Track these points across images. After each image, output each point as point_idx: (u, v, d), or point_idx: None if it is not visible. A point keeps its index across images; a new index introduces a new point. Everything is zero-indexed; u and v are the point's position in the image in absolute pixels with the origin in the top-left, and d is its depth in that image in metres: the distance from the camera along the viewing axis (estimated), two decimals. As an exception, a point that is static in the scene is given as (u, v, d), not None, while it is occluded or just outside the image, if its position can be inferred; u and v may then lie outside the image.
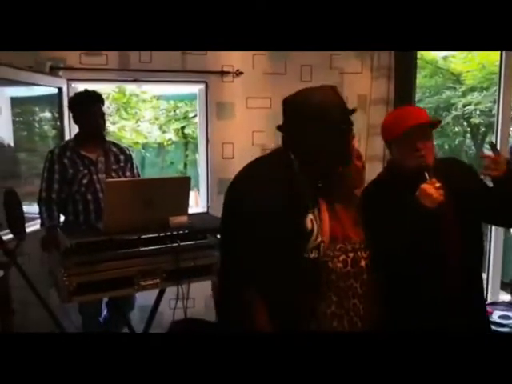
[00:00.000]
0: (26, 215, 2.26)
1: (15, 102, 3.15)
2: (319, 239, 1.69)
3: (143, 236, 2.29)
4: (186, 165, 8.62)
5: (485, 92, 5.67)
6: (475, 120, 6.02)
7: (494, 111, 4.06)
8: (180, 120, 8.12)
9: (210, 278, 2.34)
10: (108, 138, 2.95)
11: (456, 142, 6.42)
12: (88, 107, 2.76)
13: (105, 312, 3.00)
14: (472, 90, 5.90)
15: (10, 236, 2.20)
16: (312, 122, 1.60)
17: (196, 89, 3.57)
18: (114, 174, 2.80)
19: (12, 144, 3.10)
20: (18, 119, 3.32)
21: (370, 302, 1.86)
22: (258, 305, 1.59)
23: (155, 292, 2.70)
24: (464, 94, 5.92)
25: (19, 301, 2.33)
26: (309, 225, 1.66)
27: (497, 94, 3.94)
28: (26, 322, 2.64)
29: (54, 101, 3.29)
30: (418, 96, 5.85)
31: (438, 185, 1.72)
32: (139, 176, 3.04)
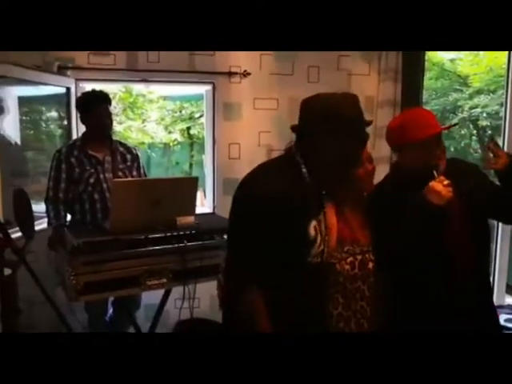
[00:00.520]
0: (34, 214, 2.27)
1: (23, 101, 3.16)
2: (321, 247, 1.68)
3: (150, 236, 2.30)
4: (191, 165, 8.65)
5: (492, 95, 5.65)
6: (482, 123, 6.01)
7: (501, 114, 4.05)
8: (186, 120, 8.14)
9: (216, 279, 2.34)
10: (114, 138, 2.96)
11: (462, 145, 6.40)
12: (95, 107, 2.76)
13: (111, 311, 3.01)
14: (479, 92, 5.88)
15: (18, 234, 2.21)
16: (331, 129, 1.56)
17: (203, 89, 3.58)
18: (120, 174, 2.80)
19: (19, 143, 3.11)
20: (25, 118, 3.34)
21: (377, 305, 1.86)
22: (258, 304, 1.59)
23: (161, 291, 2.70)
24: (471, 97, 5.90)
25: (26, 299, 2.34)
26: (312, 232, 1.65)
27: (504, 96, 3.93)
28: (33, 320, 2.66)
29: (61, 100, 3.30)
30: (424, 98, 5.83)
31: (446, 182, 1.73)
32: (146, 176, 3.05)
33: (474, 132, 6.33)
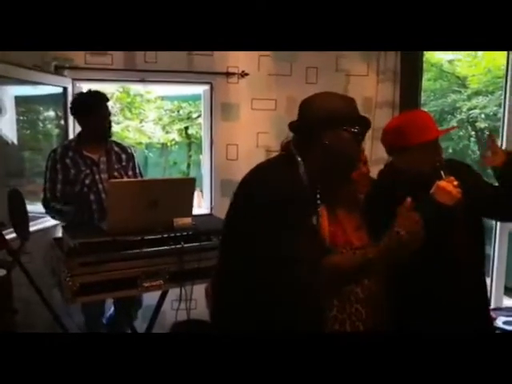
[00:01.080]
0: (29, 214, 2.26)
1: (19, 100, 3.15)
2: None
3: (147, 237, 2.29)
4: (189, 165, 8.63)
5: (490, 96, 5.65)
6: (480, 124, 6.00)
7: (500, 115, 4.05)
8: (184, 120, 8.13)
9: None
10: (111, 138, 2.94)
11: (460, 146, 6.40)
12: (94, 109, 2.75)
13: (111, 311, 2.99)
14: (477, 93, 5.88)
15: (13, 235, 2.20)
16: (331, 130, 1.55)
17: (201, 89, 3.56)
18: (116, 174, 2.79)
19: (16, 143, 3.10)
20: (22, 118, 3.32)
21: (372, 307, 1.85)
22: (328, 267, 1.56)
23: (158, 292, 2.69)
24: (469, 98, 5.90)
25: (22, 300, 2.33)
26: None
27: (502, 98, 3.93)
28: (29, 321, 2.64)
29: (58, 100, 3.29)
30: (423, 99, 5.83)
31: (456, 182, 1.72)
32: (141, 175, 3.03)
33: (473, 133, 6.33)
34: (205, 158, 3.65)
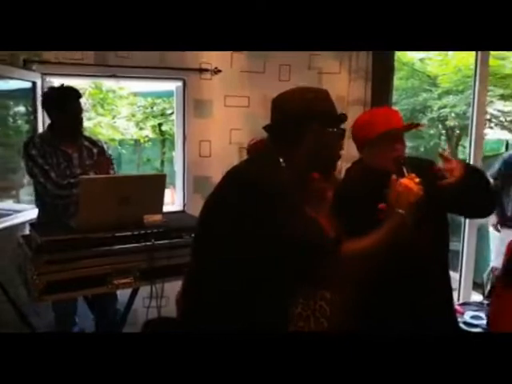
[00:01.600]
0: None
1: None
2: None
3: (117, 234, 2.26)
4: (162, 162, 8.57)
5: (460, 95, 5.76)
6: (450, 122, 6.11)
7: (469, 114, 4.13)
8: (157, 117, 8.08)
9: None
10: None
11: (431, 144, 6.50)
12: (68, 105, 2.72)
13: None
14: (448, 92, 5.98)
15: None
16: (309, 125, 1.53)
17: (173, 86, 3.54)
18: (88, 169, 2.75)
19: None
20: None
21: (336, 304, 1.87)
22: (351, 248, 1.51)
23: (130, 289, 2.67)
24: (440, 97, 5.99)
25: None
26: None
27: (471, 97, 4.01)
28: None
29: (27, 95, 3.22)
30: (394, 98, 5.88)
31: (417, 180, 1.74)
32: (114, 168, 2.99)
33: (443, 132, 6.45)
34: (177, 155, 3.62)
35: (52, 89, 2.89)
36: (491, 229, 4.45)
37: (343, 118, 1.64)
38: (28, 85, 3.16)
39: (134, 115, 7.84)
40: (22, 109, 3.44)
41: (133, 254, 2.27)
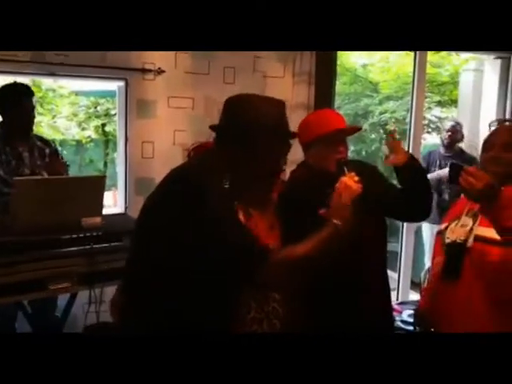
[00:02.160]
0: None
1: None
2: None
3: (54, 237, 2.19)
4: (106, 163, 8.37)
5: (400, 101, 5.96)
6: (390, 127, 6.32)
7: (408, 119, 4.28)
8: (101, 117, 7.87)
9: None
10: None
11: (373, 148, 6.68)
12: (19, 102, 2.67)
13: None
14: (388, 98, 6.17)
15: None
16: (258, 135, 1.54)
17: (115, 85, 3.46)
18: (39, 169, 2.71)
19: None
20: None
21: (288, 305, 1.89)
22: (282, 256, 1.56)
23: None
24: (381, 102, 6.18)
25: None
26: None
27: (410, 103, 4.16)
28: None
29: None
30: (337, 103, 6.01)
31: (356, 178, 1.78)
32: (68, 171, 2.93)
33: (384, 136, 6.65)
34: (119, 156, 3.55)
35: (4, 85, 2.82)
36: (424, 230, 4.65)
37: (293, 135, 1.67)
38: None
39: (75, 115, 7.61)
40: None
41: (70, 258, 2.21)
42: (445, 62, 6.05)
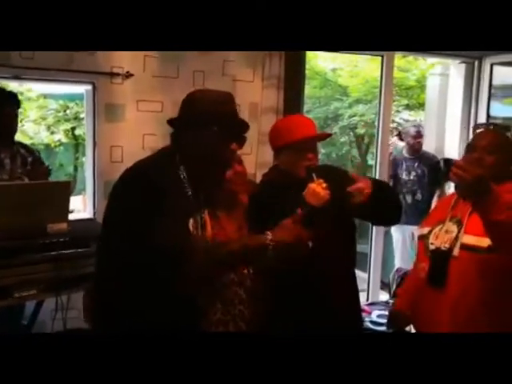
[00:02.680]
0: None
1: None
2: None
3: (19, 243, 2.15)
4: (76, 168, 8.25)
5: (369, 104, 6.05)
6: (360, 131, 6.41)
7: (376, 123, 4.35)
8: (70, 120, 7.75)
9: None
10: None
11: (343, 151, 6.78)
12: (2, 108, 2.67)
13: None
14: (357, 102, 6.26)
15: None
16: (201, 123, 1.58)
17: (82, 89, 3.42)
18: (20, 176, 2.71)
19: None
20: None
21: (254, 307, 1.90)
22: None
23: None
24: (350, 106, 6.26)
25: None
26: (191, 228, 1.63)
27: (377, 106, 4.22)
28: None
29: None
30: (308, 106, 6.09)
31: (324, 185, 1.81)
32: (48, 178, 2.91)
33: (354, 139, 6.75)
34: (88, 160, 3.51)
35: None
36: (393, 231, 4.73)
37: (242, 123, 1.69)
38: None
39: (44, 118, 7.48)
40: None
41: (36, 264, 2.18)
42: (412, 67, 6.17)
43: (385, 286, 4.30)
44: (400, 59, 5.61)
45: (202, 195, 1.69)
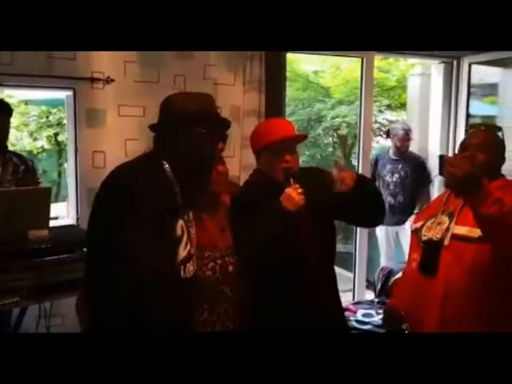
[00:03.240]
0: None
1: None
2: (188, 247, 1.68)
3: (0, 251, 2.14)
4: (59, 174, 8.18)
5: (351, 105, 6.09)
6: (342, 132, 6.45)
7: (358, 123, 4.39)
8: (53, 127, 7.69)
9: (75, 294, 2.24)
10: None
11: (327, 152, 6.81)
12: None
13: None
14: (340, 103, 6.29)
15: None
16: (187, 125, 1.60)
17: (63, 95, 3.41)
18: (7, 185, 2.71)
19: None
20: None
21: (240, 306, 1.92)
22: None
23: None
24: (333, 107, 6.29)
25: None
26: (179, 231, 1.64)
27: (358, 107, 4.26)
28: None
29: None
30: (291, 108, 6.11)
31: (299, 190, 1.84)
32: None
33: (337, 140, 6.78)
34: (70, 166, 3.50)
35: None
36: (378, 231, 4.76)
37: (225, 121, 1.71)
38: None
39: (26, 125, 7.41)
40: None
41: (17, 271, 2.16)
42: (392, 68, 6.22)
43: (371, 285, 4.33)
44: (380, 60, 5.66)
45: (187, 197, 1.70)
